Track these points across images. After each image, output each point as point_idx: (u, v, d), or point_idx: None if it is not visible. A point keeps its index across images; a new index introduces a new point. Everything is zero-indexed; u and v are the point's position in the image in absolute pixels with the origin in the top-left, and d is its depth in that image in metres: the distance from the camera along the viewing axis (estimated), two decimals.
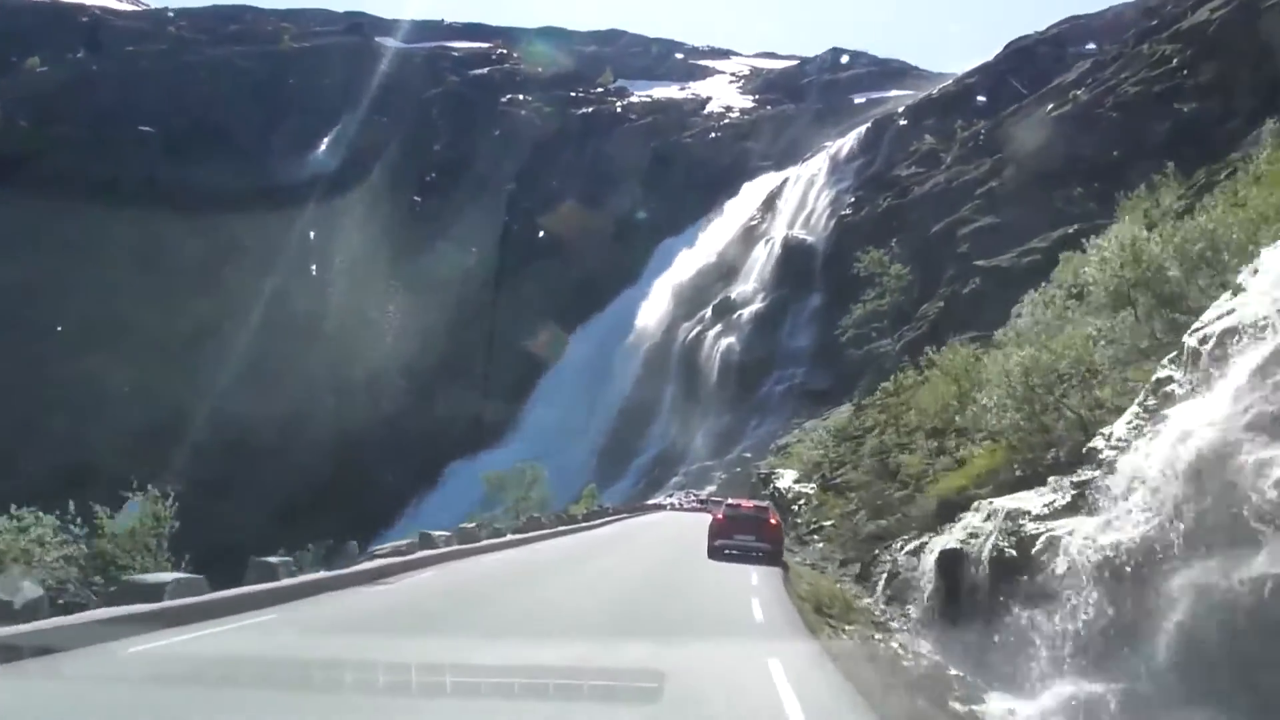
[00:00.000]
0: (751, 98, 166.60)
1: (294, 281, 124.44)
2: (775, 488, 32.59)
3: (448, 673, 8.09)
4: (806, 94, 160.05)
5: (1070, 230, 60.97)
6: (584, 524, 35.63)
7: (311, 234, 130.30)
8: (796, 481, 33.09)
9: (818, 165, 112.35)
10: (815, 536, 26.25)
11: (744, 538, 23.46)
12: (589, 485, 56.92)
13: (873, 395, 45.11)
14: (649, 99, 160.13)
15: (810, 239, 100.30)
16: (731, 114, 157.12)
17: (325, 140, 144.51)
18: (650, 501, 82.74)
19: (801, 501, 30.76)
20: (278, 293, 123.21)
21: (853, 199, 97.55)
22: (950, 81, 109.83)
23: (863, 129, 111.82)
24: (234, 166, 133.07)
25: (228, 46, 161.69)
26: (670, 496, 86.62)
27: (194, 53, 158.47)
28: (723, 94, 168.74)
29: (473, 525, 26.02)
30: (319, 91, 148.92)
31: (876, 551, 18.83)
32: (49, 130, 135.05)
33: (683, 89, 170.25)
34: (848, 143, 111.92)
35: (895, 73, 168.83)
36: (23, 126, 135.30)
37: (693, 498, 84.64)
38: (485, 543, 23.47)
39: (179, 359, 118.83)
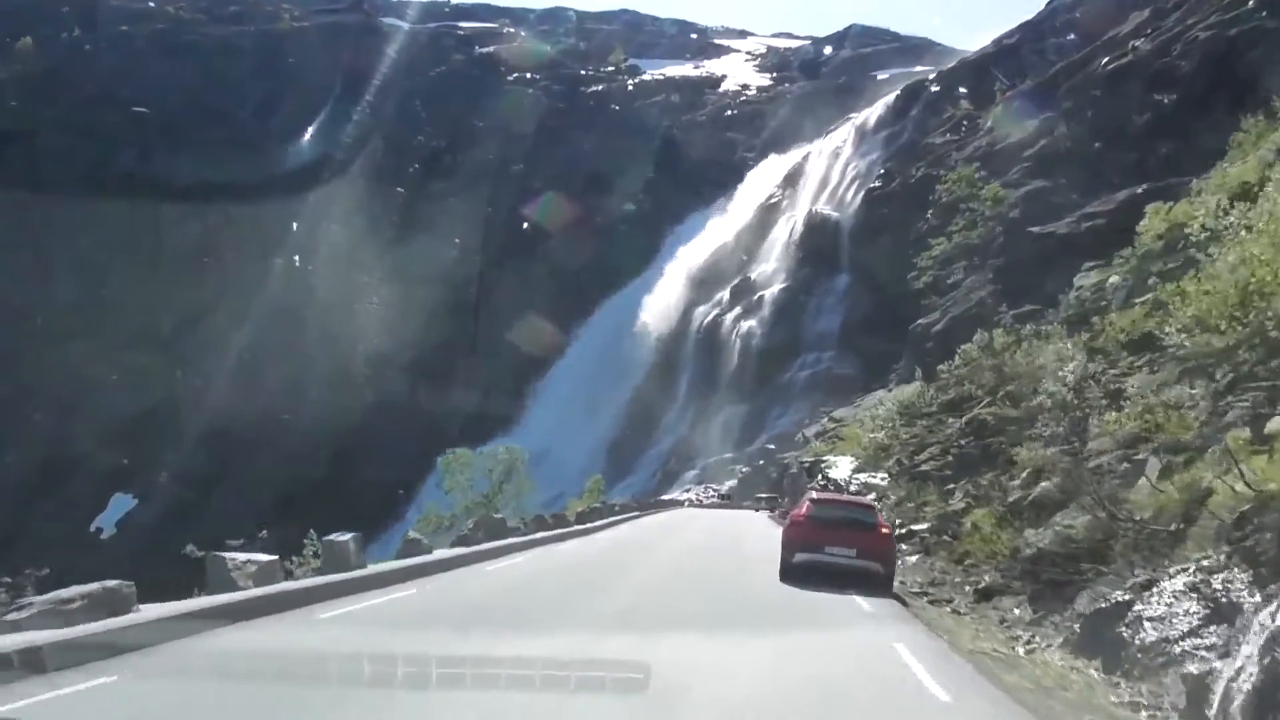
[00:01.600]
0: (769, 75, 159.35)
1: (285, 269, 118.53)
2: (827, 479, 25.85)
3: None
4: (826, 71, 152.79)
5: (1139, 191, 54.32)
6: (572, 529, 28.19)
7: (294, 225, 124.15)
8: (858, 470, 26.17)
9: (842, 137, 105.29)
10: (902, 545, 19.12)
11: (840, 552, 15.43)
12: (594, 478, 49.87)
13: (949, 362, 37.89)
14: (661, 77, 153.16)
15: (836, 214, 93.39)
16: (748, 91, 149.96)
17: (317, 121, 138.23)
18: (666, 497, 76.24)
19: (871, 496, 23.95)
20: (273, 278, 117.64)
21: (882, 170, 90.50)
22: (989, 43, 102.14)
23: (891, 97, 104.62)
24: (229, 150, 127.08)
25: (226, 26, 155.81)
26: (687, 491, 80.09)
27: (191, 32, 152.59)
28: (738, 73, 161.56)
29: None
30: (317, 73, 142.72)
31: (1082, 590, 10.57)
32: (39, 111, 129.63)
33: (697, 67, 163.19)
34: (875, 112, 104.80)
35: (918, 49, 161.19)
36: (12, 106, 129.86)
37: (711, 492, 78.04)
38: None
39: (166, 348, 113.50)
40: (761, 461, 77.59)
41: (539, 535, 23.09)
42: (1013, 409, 21.98)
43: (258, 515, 79.45)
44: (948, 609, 13.49)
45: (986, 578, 14.18)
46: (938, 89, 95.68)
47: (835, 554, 15.50)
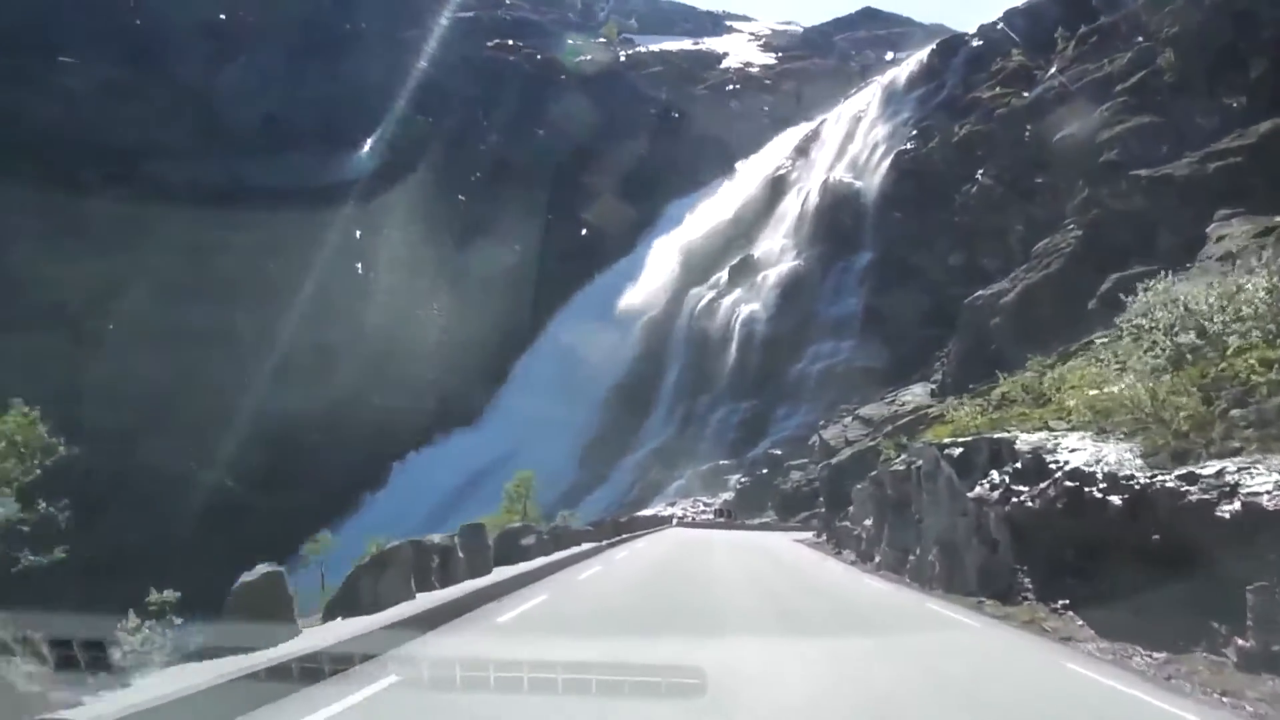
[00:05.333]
0: (774, 55, 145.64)
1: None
2: (1062, 475, 10.80)
3: None
4: (836, 51, 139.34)
5: None
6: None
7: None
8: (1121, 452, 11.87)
9: (866, 99, 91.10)
10: None
11: None
12: (521, 475, 31.55)
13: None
14: (658, 50, 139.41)
15: (858, 183, 79.00)
16: (751, 68, 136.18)
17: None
18: (647, 512, 61.50)
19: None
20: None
21: (915, 131, 76.30)
22: None
23: (925, 53, 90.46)
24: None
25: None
26: (673, 505, 65.27)
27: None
28: (741, 51, 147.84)
29: None
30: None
31: None
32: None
33: (696, 43, 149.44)
34: (905, 70, 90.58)
35: (932, 33, 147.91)
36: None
37: (702, 506, 63.33)
38: None
39: (224, 355, 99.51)
40: (765, 470, 63.04)
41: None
42: None
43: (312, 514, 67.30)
44: None
45: None
46: (980, 42, 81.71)
47: None
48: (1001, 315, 47.30)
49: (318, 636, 7.83)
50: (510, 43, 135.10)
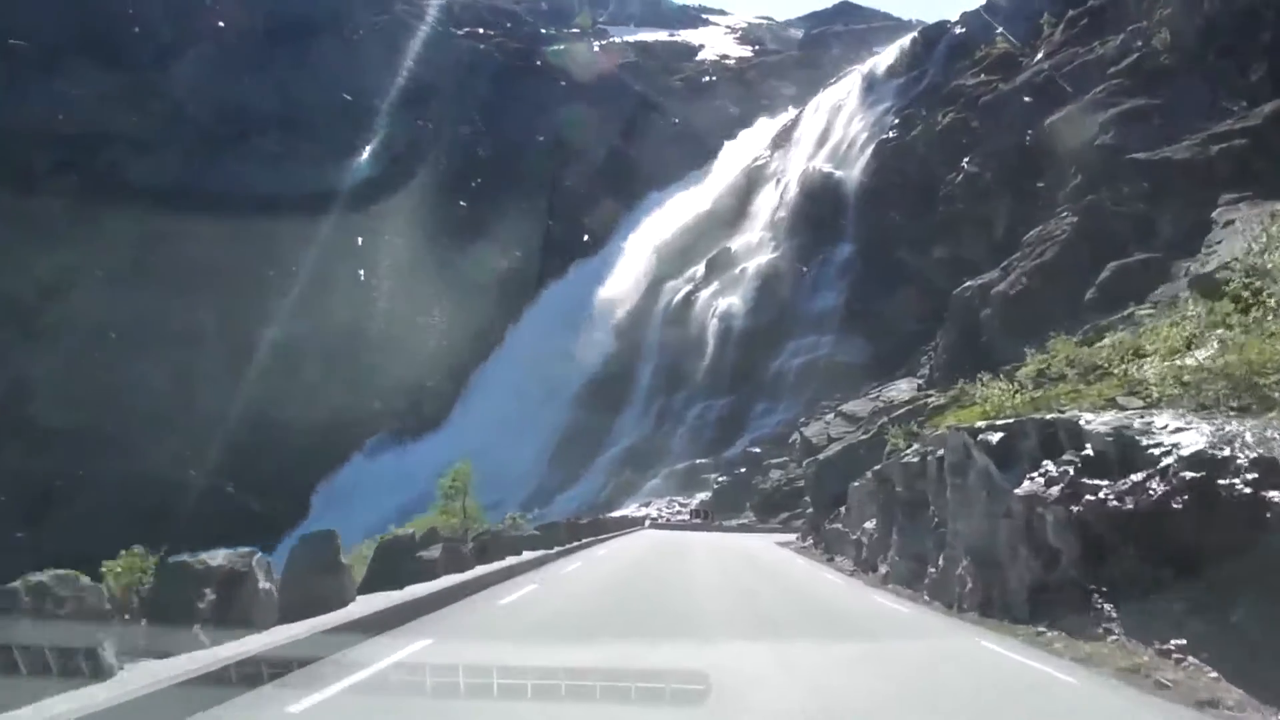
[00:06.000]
0: (750, 48, 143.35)
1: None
2: (1175, 464, 8.09)
3: None
4: (812, 44, 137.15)
5: None
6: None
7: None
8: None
9: (846, 89, 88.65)
10: None
11: None
12: (457, 466, 26.70)
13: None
14: (631, 41, 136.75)
15: (838, 173, 76.56)
16: (728, 61, 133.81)
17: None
18: (620, 512, 58.81)
19: None
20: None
21: (897, 120, 74.01)
22: None
23: (906, 41, 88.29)
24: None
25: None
26: (647, 505, 62.60)
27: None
28: (717, 44, 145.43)
29: None
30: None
31: None
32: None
33: (672, 35, 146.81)
34: (887, 59, 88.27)
35: (911, 29, 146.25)
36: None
37: (677, 507, 60.66)
38: None
39: (182, 352, 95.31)
40: (743, 469, 60.44)
41: None
42: None
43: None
44: None
45: None
46: (963, 30, 79.57)
47: None
48: (993, 306, 44.96)
49: None
50: (481, 30, 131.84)
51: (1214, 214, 38.06)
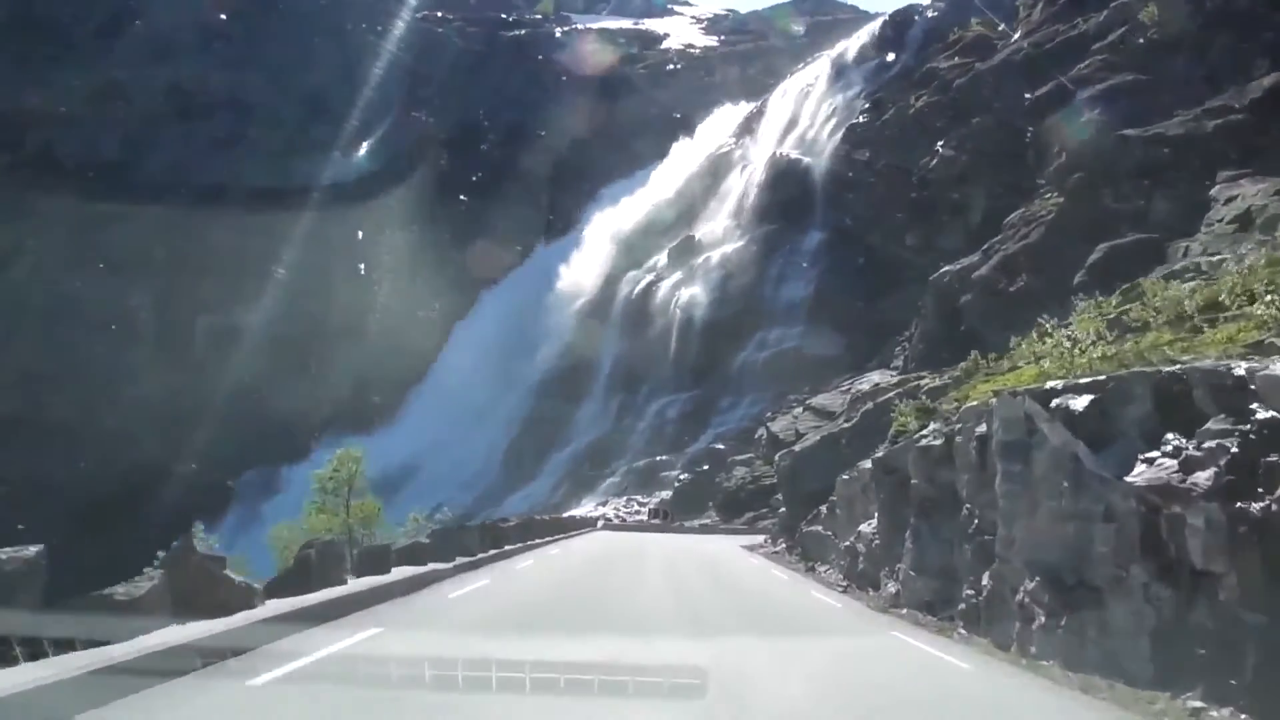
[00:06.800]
0: (716, 38, 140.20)
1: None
2: None
3: None
4: (778, 34, 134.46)
5: None
6: None
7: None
8: None
9: (815, 73, 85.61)
10: None
11: None
12: (342, 453, 21.41)
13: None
14: (596, 29, 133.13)
15: (806, 159, 73.48)
16: (693, 49, 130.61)
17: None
18: (573, 512, 55.22)
19: None
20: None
21: (868, 105, 71.07)
22: None
23: (876, 25, 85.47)
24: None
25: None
26: (604, 504, 59.03)
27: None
28: (683, 33, 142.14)
29: None
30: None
31: None
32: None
33: (637, 24, 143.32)
34: (856, 43, 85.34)
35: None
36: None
37: (636, 506, 57.15)
38: None
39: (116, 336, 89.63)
40: (706, 466, 57.12)
41: None
42: None
43: None
44: None
45: None
46: (935, 13, 76.87)
47: None
48: (974, 291, 41.95)
49: None
50: (440, 14, 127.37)
51: (1213, 191, 35.39)
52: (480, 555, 20.73)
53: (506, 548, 24.33)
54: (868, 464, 16.13)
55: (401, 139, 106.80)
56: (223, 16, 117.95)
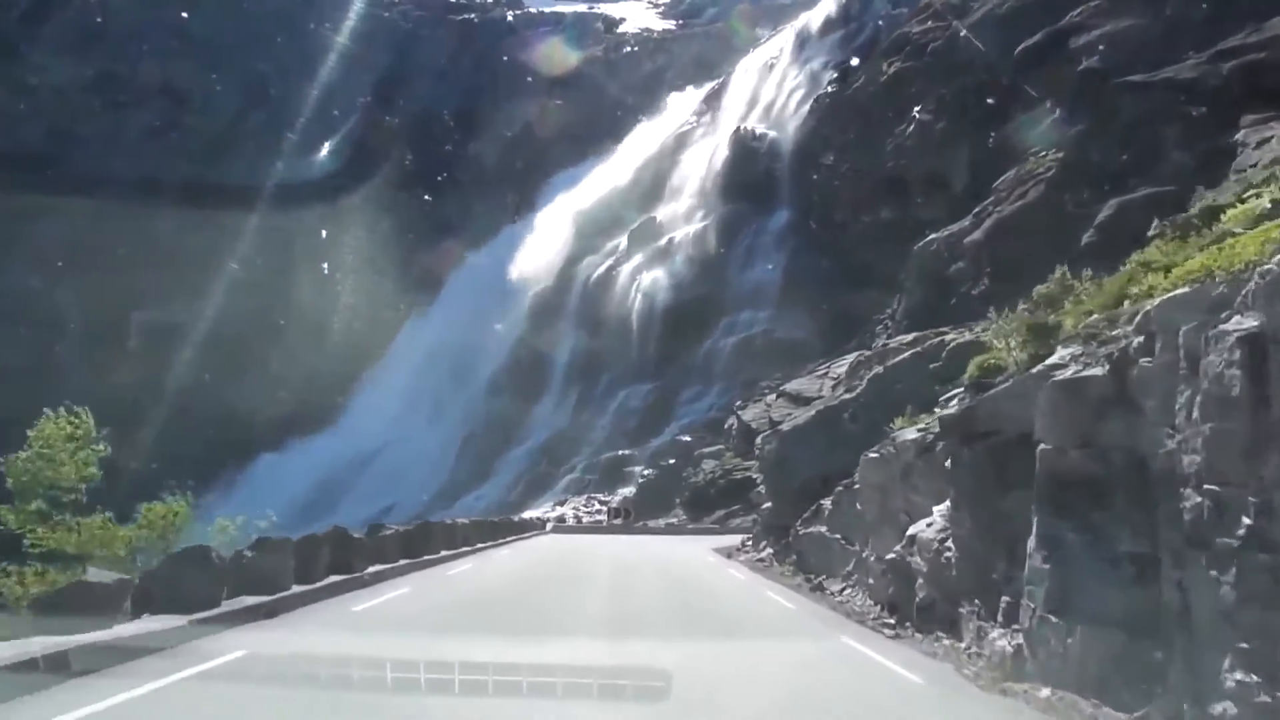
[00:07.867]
0: (674, 22, 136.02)
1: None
2: None
3: None
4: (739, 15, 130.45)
5: None
6: None
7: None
8: None
9: (778, 45, 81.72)
10: None
11: None
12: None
13: None
14: (548, 12, 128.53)
15: (772, 133, 69.50)
16: (650, 34, 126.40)
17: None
18: (534, 513, 50.72)
19: None
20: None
21: (836, 74, 67.21)
22: None
23: None
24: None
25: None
26: (563, 503, 54.54)
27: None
28: (639, 18, 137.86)
29: None
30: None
31: None
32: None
33: (591, 8, 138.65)
34: (821, 13, 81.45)
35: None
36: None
37: (597, 505, 52.69)
38: None
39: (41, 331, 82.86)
40: (672, 460, 53.01)
41: None
42: None
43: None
44: None
45: None
46: None
47: None
48: (966, 258, 38.15)
49: None
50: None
51: (1238, 136, 31.70)
52: (350, 576, 14.06)
53: (403, 561, 18.07)
54: (912, 433, 11.67)
55: (356, 131, 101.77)
56: None
